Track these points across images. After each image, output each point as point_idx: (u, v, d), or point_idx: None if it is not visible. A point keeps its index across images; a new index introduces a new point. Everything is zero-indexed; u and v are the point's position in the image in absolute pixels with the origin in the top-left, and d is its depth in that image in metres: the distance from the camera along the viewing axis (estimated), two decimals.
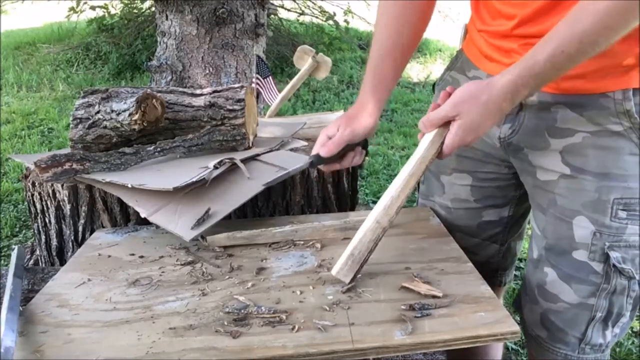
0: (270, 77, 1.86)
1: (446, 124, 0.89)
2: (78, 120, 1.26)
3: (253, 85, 1.87)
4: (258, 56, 2.03)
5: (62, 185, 1.18)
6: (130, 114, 1.18)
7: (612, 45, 0.80)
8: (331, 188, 1.30)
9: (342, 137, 0.98)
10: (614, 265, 0.91)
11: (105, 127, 1.24)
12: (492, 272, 1.20)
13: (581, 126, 0.90)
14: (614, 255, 0.91)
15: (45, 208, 1.24)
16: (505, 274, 1.23)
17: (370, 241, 0.88)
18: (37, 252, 1.36)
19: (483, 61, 1.01)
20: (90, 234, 1.17)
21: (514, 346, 1.91)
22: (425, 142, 0.91)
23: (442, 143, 0.89)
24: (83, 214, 1.20)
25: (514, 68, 0.81)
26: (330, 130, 0.99)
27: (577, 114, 0.90)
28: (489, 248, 1.16)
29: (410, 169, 0.90)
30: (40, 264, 1.33)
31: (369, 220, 0.90)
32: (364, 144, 1.04)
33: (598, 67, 0.85)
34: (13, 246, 2.47)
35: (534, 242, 1.03)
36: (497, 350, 1.33)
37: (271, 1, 5.43)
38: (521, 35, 0.90)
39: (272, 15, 5.64)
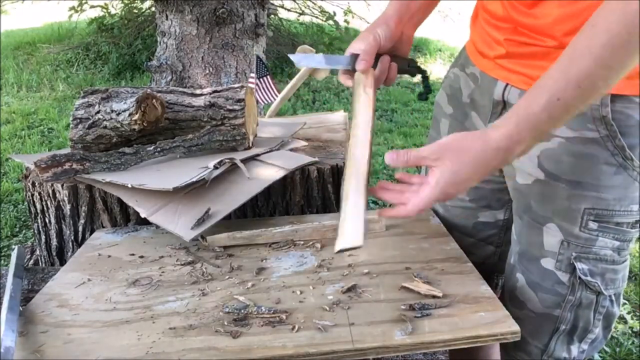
0: (267, 77, 1.85)
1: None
2: (78, 120, 1.26)
3: (249, 84, 1.86)
4: (257, 56, 2.03)
5: (62, 185, 1.18)
6: (130, 114, 1.18)
7: None
8: (331, 188, 1.30)
9: (369, 48, 0.91)
10: (579, 278, 0.88)
11: (105, 127, 1.24)
12: (488, 274, 1.19)
13: (557, 131, 0.86)
14: (580, 266, 0.88)
15: (45, 208, 1.24)
16: (501, 277, 1.22)
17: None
18: (37, 252, 1.36)
19: (478, 57, 1.00)
20: (90, 234, 1.17)
21: None
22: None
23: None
24: (83, 214, 1.20)
25: (508, 120, 0.74)
26: (355, 46, 0.93)
27: None
28: (485, 249, 1.15)
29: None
30: (40, 264, 1.33)
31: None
32: (413, 66, 1.00)
33: None
34: (13, 246, 2.47)
35: (512, 247, 1.02)
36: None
37: (271, 1, 5.43)
38: (513, 19, 0.87)
39: (272, 15, 5.64)
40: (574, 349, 0.95)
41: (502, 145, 0.74)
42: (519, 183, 0.96)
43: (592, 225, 0.87)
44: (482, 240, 1.15)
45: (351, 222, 0.86)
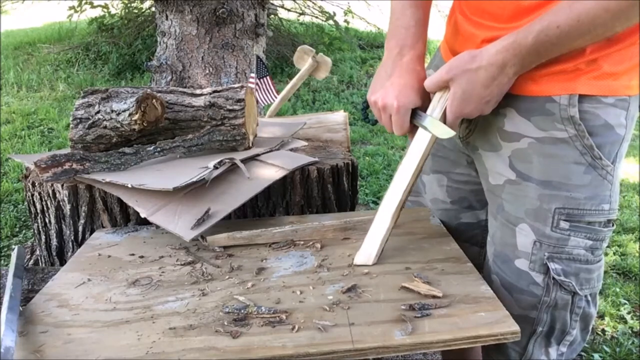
0: (266, 78, 1.86)
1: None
2: (78, 120, 1.26)
3: (249, 85, 1.87)
4: (257, 56, 2.03)
5: (62, 185, 1.18)
6: (130, 114, 1.18)
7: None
8: (331, 188, 1.30)
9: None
10: (553, 278, 0.88)
11: (105, 127, 1.24)
12: None
13: (527, 131, 0.88)
14: (554, 266, 0.88)
15: (45, 208, 1.24)
16: None
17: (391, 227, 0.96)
18: (37, 252, 1.36)
19: (450, 56, 1.00)
20: (90, 234, 1.17)
21: None
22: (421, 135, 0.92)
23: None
24: (83, 214, 1.20)
25: (507, 37, 0.79)
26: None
27: (524, 118, 0.88)
28: (470, 250, 1.14)
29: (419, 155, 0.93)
30: (40, 264, 1.33)
31: (391, 208, 0.94)
32: None
33: (546, 70, 0.84)
34: (13, 246, 2.47)
35: (488, 248, 1.02)
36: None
37: (271, 1, 5.43)
38: (495, 13, 0.88)
39: (272, 15, 5.64)
40: (553, 352, 0.94)
41: (499, 58, 0.80)
42: (492, 184, 0.96)
43: (564, 224, 0.87)
44: (465, 241, 1.15)
45: (370, 242, 0.96)
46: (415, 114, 0.93)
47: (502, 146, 0.92)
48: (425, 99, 0.93)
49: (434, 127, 0.90)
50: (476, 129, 0.96)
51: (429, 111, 0.91)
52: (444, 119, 0.89)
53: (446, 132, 0.89)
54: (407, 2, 0.95)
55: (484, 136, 0.95)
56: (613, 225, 0.90)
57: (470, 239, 1.15)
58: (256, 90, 1.82)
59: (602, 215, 0.87)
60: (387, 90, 0.92)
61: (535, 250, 0.90)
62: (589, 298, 0.92)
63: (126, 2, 5.74)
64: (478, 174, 1.05)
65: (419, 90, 0.92)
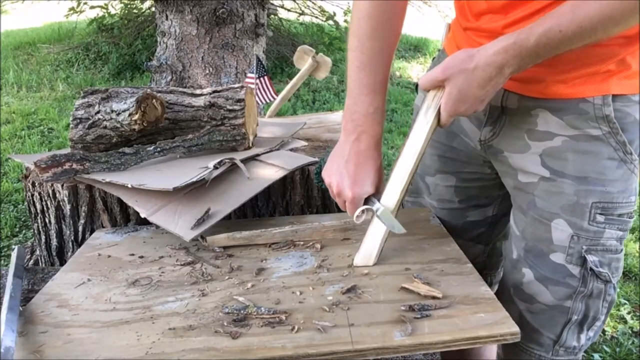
0: (265, 77, 1.85)
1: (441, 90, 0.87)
2: (78, 120, 1.26)
3: (249, 85, 1.86)
4: (256, 56, 2.03)
5: (62, 185, 1.18)
6: (130, 114, 1.18)
7: (593, 50, 0.80)
8: None
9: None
10: (591, 269, 0.92)
11: (105, 127, 1.24)
12: (479, 272, 1.20)
13: (561, 130, 0.90)
14: (591, 258, 0.91)
15: (45, 208, 1.24)
16: (491, 274, 1.23)
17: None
18: (37, 252, 1.36)
19: None
20: (90, 234, 1.17)
21: None
22: (421, 117, 0.90)
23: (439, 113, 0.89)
24: (83, 214, 1.20)
25: (507, 37, 0.79)
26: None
27: (557, 118, 0.90)
28: (474, 248, 1.16)
29: (414, 150, 0.91)
30: (40, 264, 1.33)
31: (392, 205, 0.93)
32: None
33: (579, 73, 0.86)
34: (13, 246, 2.47)
35: (513, 242, 1.03)
36: (492, 350, 1.33)
37: (271, 1, 5.43)
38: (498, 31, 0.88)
39: (272, 15, 5.64)
40: (583, 337, 0.98)
41: (498, 59, 0.79)
42: (522, 182, 0.97)
43: (600, 218, 0.91)
44: (471, 240, 1.16)
45: (370, 243, 0.96)
46: (369, 201, 0.94)
47: (531, 146, 0.94)
48: (379, 186, 0.95)
49: (385, 219, 0.92)
50: (501, 132, 0.98)
51: (422, 110, 0.91)
52: (438, 118, 0.89)
53: (396, 227, 0.92)
54: (364, 87, 0.93)
55: (509, 139, 0.97)
56: (634, 215, 0.94)
57: (475, 238, 1.16)
58: (255, 89, 1.82)
59: (630, 207, 0.92)
60: (343, 178, 0.93)
61: (572, 244, 0.92)
62: (616, 285, 0.97)
63: (126, 2, 5.74)
64: (493, 172, 1.06)
65: (374, 179, 0.94)
